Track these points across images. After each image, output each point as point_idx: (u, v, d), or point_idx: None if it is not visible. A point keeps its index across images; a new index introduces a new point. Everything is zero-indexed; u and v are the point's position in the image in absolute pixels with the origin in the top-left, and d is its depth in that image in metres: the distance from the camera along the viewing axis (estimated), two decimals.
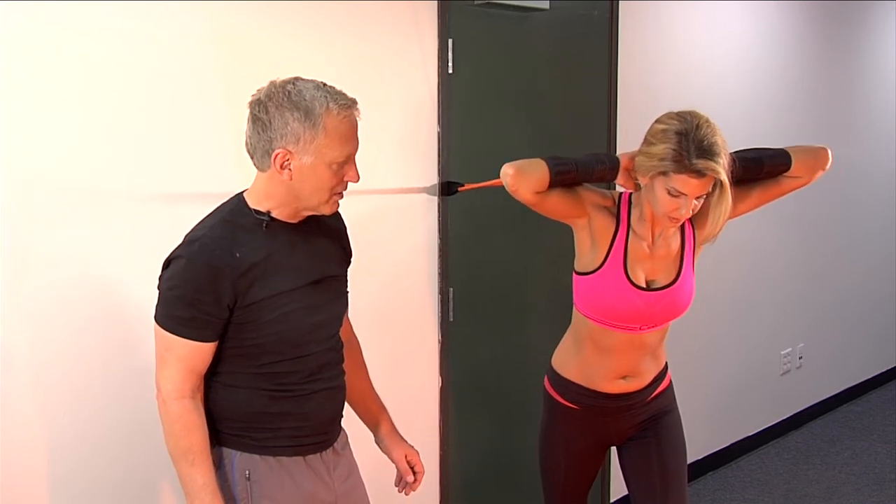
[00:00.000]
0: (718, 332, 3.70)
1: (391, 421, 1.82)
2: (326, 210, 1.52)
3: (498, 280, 2.80)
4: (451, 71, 2.51)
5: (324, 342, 1.57)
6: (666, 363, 2.07)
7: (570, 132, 2.91)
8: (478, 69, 2.63)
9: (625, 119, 3.01)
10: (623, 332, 1.92)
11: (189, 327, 1.44)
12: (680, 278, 1.92)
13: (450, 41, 2.50)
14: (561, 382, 2.03)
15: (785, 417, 4.12)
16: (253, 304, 1.47)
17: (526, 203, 1.85)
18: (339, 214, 1.69)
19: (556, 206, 1.87)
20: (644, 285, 1.89)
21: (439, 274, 2.58)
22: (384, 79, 2.38)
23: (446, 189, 2.53)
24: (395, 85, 2.42)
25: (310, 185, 1.47)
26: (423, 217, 2.54)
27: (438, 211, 2.56)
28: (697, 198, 1.76)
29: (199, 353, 1.46)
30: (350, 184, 1.54)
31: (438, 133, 2.51)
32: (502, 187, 1.87)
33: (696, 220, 1.93)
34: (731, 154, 1.79)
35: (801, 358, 4.21)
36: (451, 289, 2.61)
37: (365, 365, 1.83)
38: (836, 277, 4.43)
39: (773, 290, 3.99)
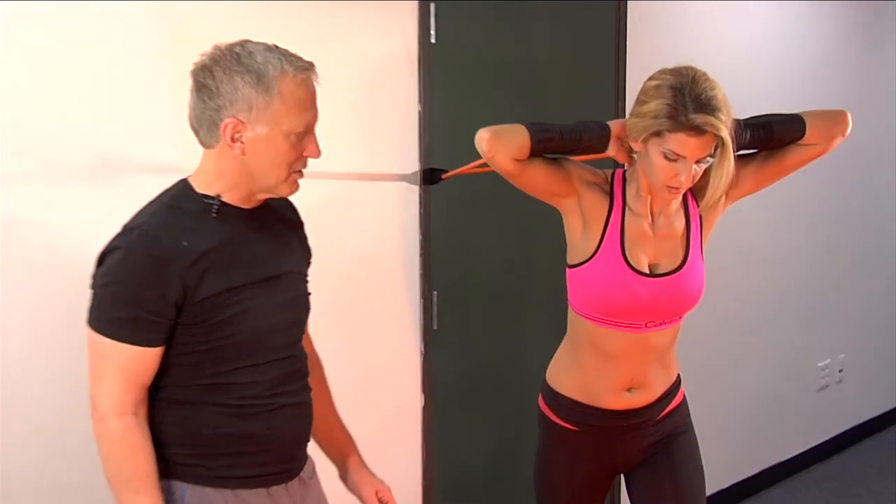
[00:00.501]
0: (741, 343, 3.70)
1: (359, 453, 1.82)
2: (285, 190, 1.53)
3: (489, 282, 2.80)
4: (433, 39, 2.51)
5: (287, 348, 1.58)
6: (678, 375, 2.08)
7: (572, 110, 2.90)
8: (465, 37, 2.62)
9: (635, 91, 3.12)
10: (626, 330, 1.92)
11: (130, 330, 1.43)
12: (688, 262, 1.92)
13: (432, 5, 2.50)
14: (557, 400, 2.04)
15: (823, 440, 4.14)
16: (204, 300, 1.46)
17: (504, 173, 1.86)
18: (295, 208, 1.71)
19: (539, 178, 1.88)
20: (647, 270, 1.90)
21: (421, 276, 2.58)
22: (354, 48, 2.38)
23: (428, 177, 2.54)
24: (367, 55, 2.41)
25: (265, 161, 1.48)
26: (401, 209, 2.54)
27: (419, 202, 2.55)
28: (698, 161, 1.77)
29: (143, 360, 1.45)
30: (313, 167, 1.55)
31: (419, 112, 2.52)
32: (494, 173, 1.89)
33: (700, 194, 1.94)
34: (736, 119, 1.80)
35: (841, 371, 4.22)
36: (435, 292, 2.62)
37: (328, 387, 1.82)
38: (882, 278, 4.46)
39: (804, 294, 4.01)
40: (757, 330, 3.79)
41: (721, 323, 3.57)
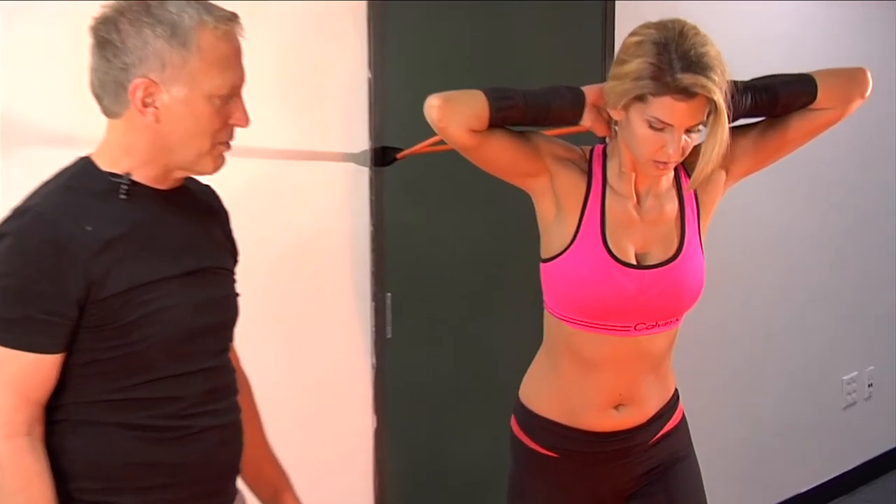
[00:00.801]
0: (751, 352, 3.73)
1: (294, 492, 1.82)
2: (208, 166, 1.52)
3: (453, 282, 2.82)
4: None
5: (212, 357, 1.58)
6: (676, 389, 2.09)
7: (549, 76, 2.99)
8: None
9: None
10: (612, 334, 1.93)
11: (19, 333, 1.39)
12: (684, 250, 1.93)
13: None
14: (532, 422, 2.04)
15: (851, 467, 4.18)
16: (111, 297, 1.43)
17: (459, 147, 1.86)
18: (218, 196, 1.72)
19: (502, 154, 1.88)
20: (633, 261, 1.90)
21: (372, 274, 2.59)
22: (289, 4, 2.36)
23: (380, 157, 2.54)
24: (305, 8, 2.39)
25: (184, 129, 1.47)
26: (347, 195, 2.54)
27: (370, 187, 2.55)
28: (688, 130, 1.78)
29: (37, 370, 1.41)
30: (239, 142, 1.54)
31: (369, 80, 2.52)
32: (458, 154, 1.89)
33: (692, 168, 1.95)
34: (733, 81, 1.80)
35: (870, 386, 4.28)
36: (389, 295, 2.62)
37: (257, 411, 1.81)
38: None
39: (826, 299, 4.04)
40: (771, 337, 3.81)
41: (727, 329, 3.60)
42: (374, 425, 2.64)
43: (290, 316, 2.49)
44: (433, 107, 1.83)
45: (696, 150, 1.85)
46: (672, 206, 1.96)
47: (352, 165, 2.54)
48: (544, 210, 1.95)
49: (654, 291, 1.91)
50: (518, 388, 2.12)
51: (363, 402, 2.63)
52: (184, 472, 1.53)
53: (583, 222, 1.91)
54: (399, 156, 2.54)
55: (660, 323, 1.95)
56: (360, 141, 2.54)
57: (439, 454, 2.88)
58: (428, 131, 2.09)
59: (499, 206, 2.75)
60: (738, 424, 3.73)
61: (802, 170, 3.64)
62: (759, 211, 3.65)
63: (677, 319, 1.99)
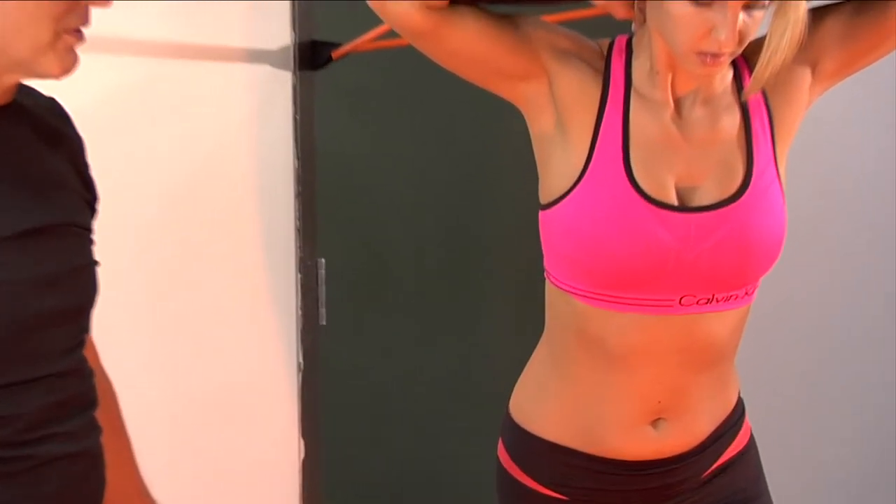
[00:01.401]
0: (841, 357, 3.73)
1: None
2: (53, 66, 1.49)
3: (412, 239, 2.83)
4: None
5: (61, 357, 1.55)
6: (741, 399, 2.03)
7: None
8: None
9: None
10: (645, 311, 1.86)
11: None
12: (752, 184, 1.86)
13: None
14: (529, 448, 1.98)
15: None
16: None
17: (410, 33, 1.82)
18: (67, 115, 1.69)
19: (474, 42, 1.84)
20: (673, 200, 1.83)
21: (297, 231, 2.60)
22: None
23: (309, 56, 2.56)
24: None
25: (16, 12, 1.45)
26: (260, 111, 2.55)
27: (293, 99, 2.58)
28: (747, 7, 1.72)
29: None
30: (96, 31, 1.52)
31: None
32: (416, 51, 1.86)
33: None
34: None
35: None
36: (322, 261, 2.64)
37: (124, 427, 1.81)
38: None
39: None
40: (862, 337, 3.90)
41: (803, 326, 3.66)
42: (302, 453, 2.66)
43: (176, 295, 2.48)
44: None
45: (762, 43, 1.79)
46: (731, 120, 1.89)
47: (267, 69, 2.54)
48: (541, 130, 1.89)
49: (706, 246, 1.83)
50: (507, 399, 2.05)
51: (285, 419, 2.64)
52: None
53: (597, 145, 1.84)
54: (335, 54, 2.54)
55: (718, 296, 1.87)
56: (280, 34, 2.54)
57: (392, 485, 2.87)
58: (374, 19, 2.06)
59: (476, 127, 2.75)
60: (824, 450, 3.78)
61: None
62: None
63: (747, 292, 1.90)
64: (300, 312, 2.61)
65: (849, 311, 3.79)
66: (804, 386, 3.67)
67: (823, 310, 3.69)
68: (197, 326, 2.48)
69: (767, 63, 1.78)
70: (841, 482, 3.81)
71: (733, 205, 1.84)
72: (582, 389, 1.95)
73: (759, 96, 1.91)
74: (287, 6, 2.54)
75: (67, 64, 1.51)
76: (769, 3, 1.74)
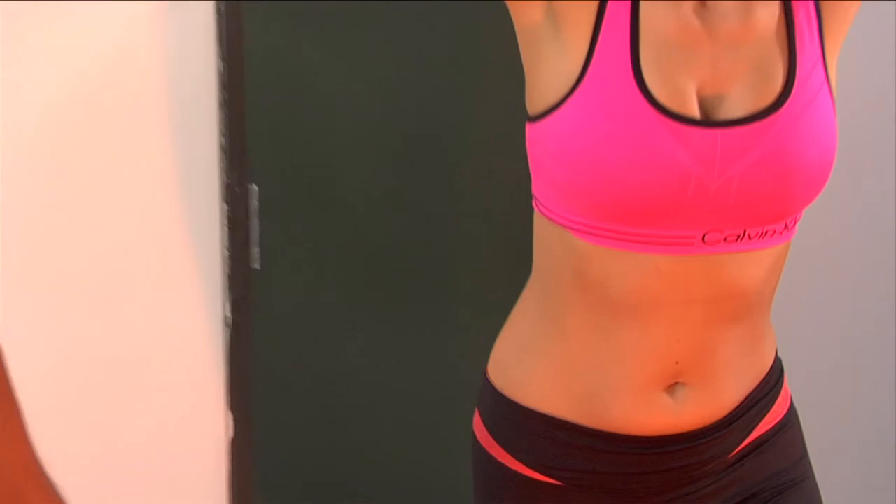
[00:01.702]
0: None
1: None
2: None
3: (367, 162, 2.84)
4: None
5: None
6: (778, 359, 1.97)
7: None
8: None
9: None
10: (659, 251, 1.79)
11: None
12: (794, 92, 1.78)
13: None
14: (514, 420, 1.93)
15: None
16: None
17: None
18: None
19: None
20: (695, 113, 1.76)
21: (222, 150, 2.58)
22: None
23: None
24: None
25: None
26: (177, 18, 2.52)
27: (217, 9, 2.53)
28: None
29: None
30: None
31: None
32: None
33: None
34: None
35: None
36: (254, 188, 2.65)
37: (13, 399, 1.79)
38: None
39: None
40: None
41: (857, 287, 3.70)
42: (230, 431, 2.62)
43: (70, 232, 2.41)
44: None
45: None
46: (769, 11, 1.79)
47: None
48: (528, 21, 1.80)
49: (736, 170, 1.76)
50: (484, 361, 1.98)
51: (209, 388, 2.62)
52: None
53: (599, 41, 1.76)
54: None
55: (750, 231, 1.80)
56: None
57: (340, 470, 2.85)
58: None
59: (452, 27, 2.65)
60: (876, 423, 3.80)
61: None
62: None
63: (787, 226, 1.83)
64: (227, 253, 2.55)
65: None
66: (846, 369, 3.67)
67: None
68: (97, 272, 2.42)
69: None
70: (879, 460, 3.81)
71: (771, 117, 1.78)
72: (579, 347, 1.90)
73: None
74: None
75: None
76: None
